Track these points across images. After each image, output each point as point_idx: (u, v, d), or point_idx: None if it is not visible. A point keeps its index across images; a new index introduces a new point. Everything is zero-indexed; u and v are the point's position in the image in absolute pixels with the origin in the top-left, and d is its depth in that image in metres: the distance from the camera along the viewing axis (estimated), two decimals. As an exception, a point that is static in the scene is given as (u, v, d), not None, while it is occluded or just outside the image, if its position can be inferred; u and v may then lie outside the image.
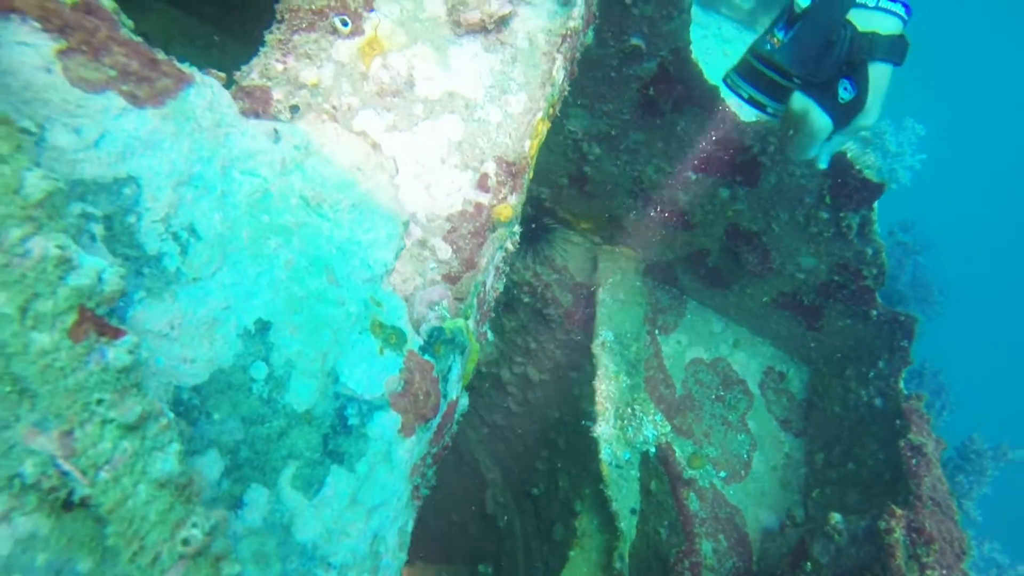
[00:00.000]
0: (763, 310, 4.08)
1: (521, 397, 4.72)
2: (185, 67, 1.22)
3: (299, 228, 1.17)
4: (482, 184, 1.87)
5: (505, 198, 1.82)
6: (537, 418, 4.73)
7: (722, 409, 4.00)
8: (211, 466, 1.01)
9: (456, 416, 1.65)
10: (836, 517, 3.20)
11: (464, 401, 1.67)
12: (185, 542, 0.85)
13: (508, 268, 1.87)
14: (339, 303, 1.19)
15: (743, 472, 3.86)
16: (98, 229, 1.06)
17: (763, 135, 3.14)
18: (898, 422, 3.36)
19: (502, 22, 2.07)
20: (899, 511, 2.93)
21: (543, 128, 1.99)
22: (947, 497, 3.04)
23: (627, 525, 2.73)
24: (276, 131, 1.29)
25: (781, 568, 3.36)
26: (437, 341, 1.36)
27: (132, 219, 1.09)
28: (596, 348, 3.32)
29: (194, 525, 0.85)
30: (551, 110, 2.05)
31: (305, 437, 1.12)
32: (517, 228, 1.89)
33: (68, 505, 0.89)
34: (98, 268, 0.87)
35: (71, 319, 0.83)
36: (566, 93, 2.19)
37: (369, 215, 1.32)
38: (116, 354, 0.86)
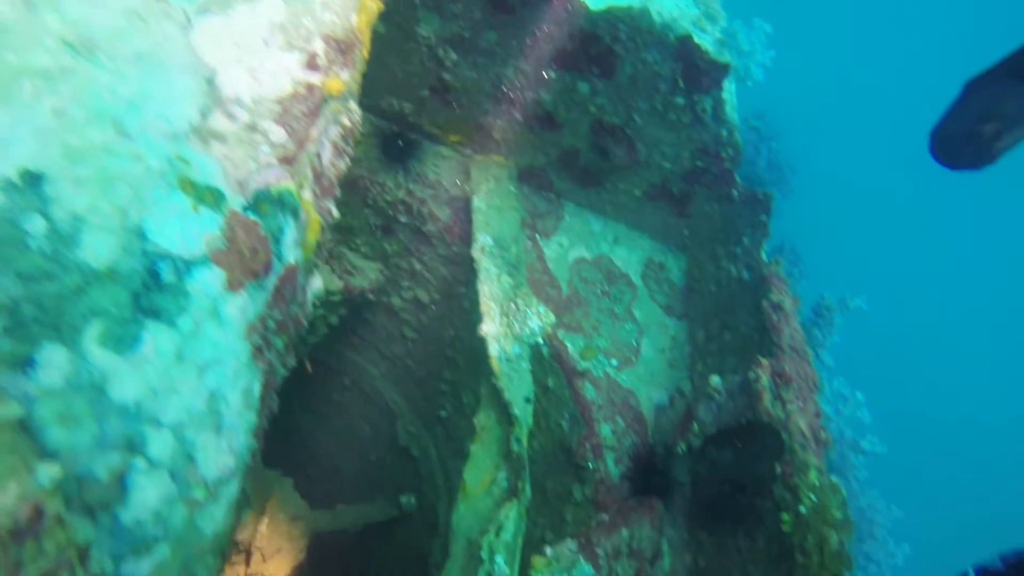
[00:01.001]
0: (637, 204, 4.23)
1: (415, 322, 4.70)
2: None
3: (66, 75, 1.06)
4: (311, 64, 1.78)
5: (335, 74, 1.74)
6: (434, 340, 4.75)
7: (608, 303, 4.17)
8: None
9: (310, 298, 1.61)
10: (715, 379, 3.45)
11: (318, 283, 1.63)
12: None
13: (351, 148, 1.82)
14: (134, 158, 1.11)
15: (633, 358, 4.06)
16: None
17: (613, 23, 3.19)
18: (761, 287, 3.64)
19: None
20: (765, 361, 3.20)
21: (372, 2, 1.91)
22: (802, 344, 3.35)
23: (522, 411, 2.82)
24: None
25: (672, 436, 3.61)
26: (262, 201, 1.31)
27: None
28: (476, 252, 3.34)
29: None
30: (379, -16, 1.97)
31: (110, 294, 1.05)
32: (355, 106, 1.83)
33: None
34: None
35: None
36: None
37: (160, 67, 1.23)
38: None
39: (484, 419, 2.97)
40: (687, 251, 4.49)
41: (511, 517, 2.57)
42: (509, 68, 3.46)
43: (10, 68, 1.00)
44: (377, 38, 3.40)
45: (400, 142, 3.86)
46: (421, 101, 3.76)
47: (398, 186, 3.85)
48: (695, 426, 3.46)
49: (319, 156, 1.60)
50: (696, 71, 3.32)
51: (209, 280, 1.19)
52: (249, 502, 1.40)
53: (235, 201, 1.29)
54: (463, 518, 2.71)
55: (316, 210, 1.54)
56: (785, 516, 2.86)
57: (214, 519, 1.17)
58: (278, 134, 1.67)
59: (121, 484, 1.05)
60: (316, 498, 5.78)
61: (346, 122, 1.73)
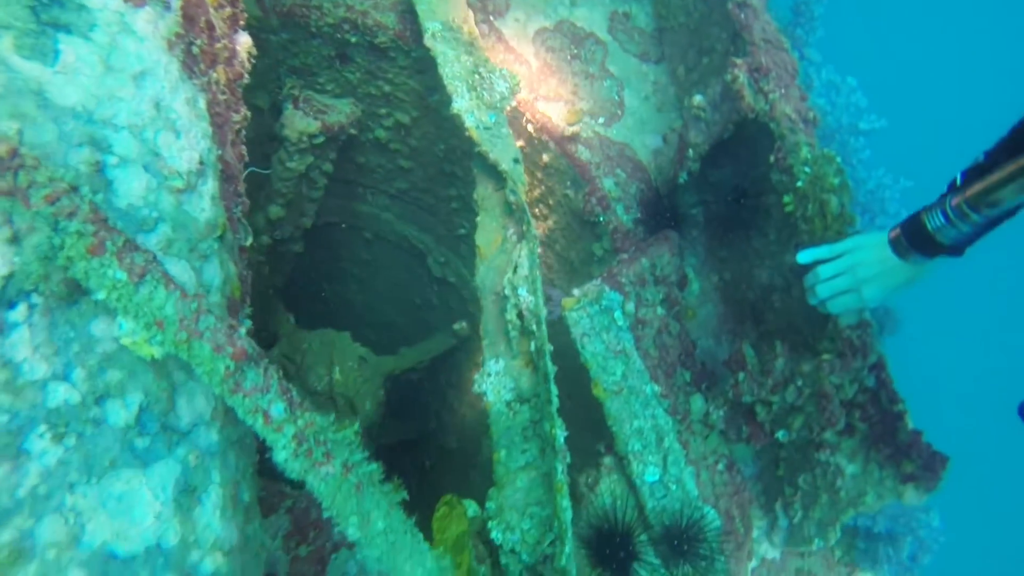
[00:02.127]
0: (583, -48, 3.98)
1: (406, 149, 4.73)
2: None
3: None
4: None
5: None
6: (430, 161, 4.79)
7: (581, 65, 4.07)
8: None
9: (241, 56, 1.65)
10: (697, 97, 3.42)
11: (245, 38, 1.66)
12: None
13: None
14: None
15: (619, 112, 4.03)
16: None
17: None
18: (726, -9, 3.47)
19: None
20: (739, 60, 3.14)
21: None
22: (776, 35, 3.25)
23: (512, 169, 2.90)
24: None
25: (672, 168, 3.66)
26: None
27: None
28: (428, 41, 3.26)
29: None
30: None
31: (7, 8, 1.11)
32: None
33: None
34: None
35: None
36: None
37: None
38: None
39: (481, 190, 3.07)
40: (650, -10, 4.27)
41: (523, 255, 2.74)
42: None
43: None
44: None
45: (323, -43, 3.66)
46: (327, -97, 3.51)
47: (336, 4, 3.70)
48: (690, 152, 3.49)
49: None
50: None
51: (103, -8, 1.22)
52: (242, 233, 1.55)
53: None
54: (485, 277, 2.90)
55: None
56: (786, 198, 2.95)
57: (201, 207, 1.31)
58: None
59: (103, 176, 1.18)
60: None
61: None
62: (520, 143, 3.65)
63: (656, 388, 3.06)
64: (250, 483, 1.56)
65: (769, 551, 3.25)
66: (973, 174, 2.15)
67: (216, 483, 1.31)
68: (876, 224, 4.85)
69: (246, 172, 4.58)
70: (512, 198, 2.84)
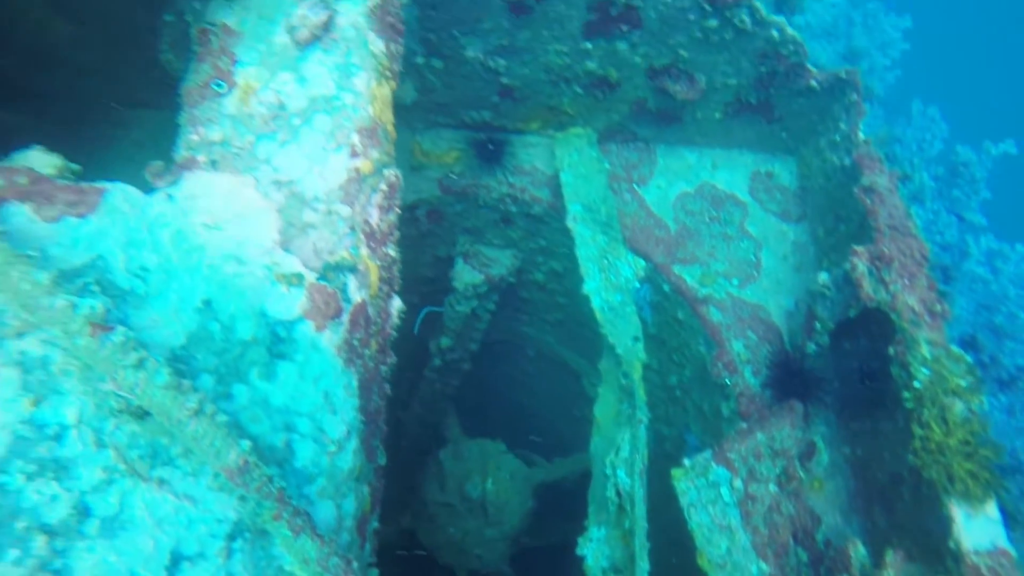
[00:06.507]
0: (722, 126, 4.31)
1: (561, 288, 5.28)
2: (99, 184, 1.93)
3: (208, 244, 1.86)
4: (353, 153, 2.44)
5: (368, 156, 2.39)
6: (583, 300, 5.27)
7: (719, 227, 4.33)
8: (206, 381, 1.74)
9: (393, 315, 2.28)
10: (822, 275, 3.53)
11: (397, 302, 2.30)
12: (192, 411, 1.56)
13: (396, 203, 2.44)
14: (250, 273, 1.87)
15: (755, 273, 4.20)
16: (93, 284, 1.79)
17: (621, -18, 3.40)
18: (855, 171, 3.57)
19: (327, 26, 2.59)
20: (860, 248, 3.23)
21: (383, 90, 2.52)
22: (904, 220, 3.28)
23: (627, 350, 3.26)
24: (168, 195, 1.98)
25: (802, 335, 3.74)
26: (327, 270, 2.02)
27: (108, 274, 1.81)
28: (569, 223, 3.81)
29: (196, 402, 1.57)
30: (385, 72, 2.56)
31: (256, 352, 1.80)
32: (389, 171, 2.45)
33: (140, 413, 1.63)
34: (91, 303, 1.58)
35: (87, 328, 1.55)
36: (400, 51, 2.67)
37: (247, 214, 1.99)
38: (114, 336, 1.57)
39: (605, 363, 3.46)
40: (794, 152, 4.44)
41: (626, 439, 3.05)
42: (551, 55, 3.84)
43: (183, 250, 1.80)
44: (439, 71, 4.01)
45: (490, 145, 4.44)
46: (495, 106, 4.29)
47: (499, 183, 4.43)
48: (817, 324, 3.57)
49: (367, 220, 2.26)
50: (717, -10, 3.38)
51: (306, 329, 1.91)
52: (376, 455, 2.12)
53: (310, 276, 2.01)
54: (598, 447, 3.25)
55: (373, 258, 2.20)
56: (905, 394, 2.93)
57: (346, 461, 1.90)
58: (344, 210, 2.36)
59: (290, 448, 1.81)
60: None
61: (383, 187, 2.36)
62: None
63: (764, 567, 3.11)
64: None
65: None
66: None
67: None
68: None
69: (424, 312, 5.43)
70: (624, 382, 3.20)
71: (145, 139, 4.33)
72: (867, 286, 3.08)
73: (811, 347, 3.57)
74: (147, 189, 2.19)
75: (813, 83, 3.84)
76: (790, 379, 3.74)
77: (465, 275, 4.74)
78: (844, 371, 3.56)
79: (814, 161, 4.20)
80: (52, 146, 2.45)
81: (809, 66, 3.79)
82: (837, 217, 3.96)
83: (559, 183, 4.34)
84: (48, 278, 1.52)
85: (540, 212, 4.52)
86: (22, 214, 1.73)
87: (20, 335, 1.57)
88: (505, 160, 4.44)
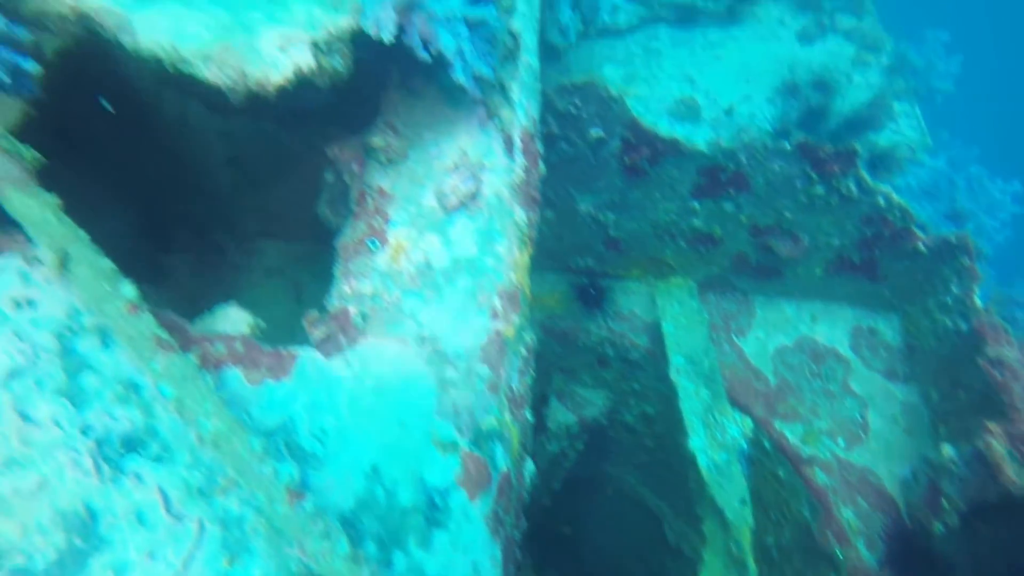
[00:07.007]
0: (823, 282, 4.36)
1: (650, 432, 5.21)
2: (293, 348, 2.13)
3: (377, 408, 2.02)
4: (495, 315, 2.61)
5: (510, 320, 2.54)
6: (672, 446, 5.18)
7: (821, 383, 4.26)
8: (370, 548, 1.81)
9: (526, 479, 2.32)
10: (948, 449, 3.39)
11: (530, 465, 2.35)
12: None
13: (534, 363, 2.56)
14: (411, 439, 1.98)
15: (862, 434, 4.06)
16: (282, 446, 1.92)
17: (730, 153, 3.63)
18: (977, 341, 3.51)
19: (474, 195, 2.86)
20: (993, 426, 3.11)
21: (523, 257, 2.72)
22: (1039, 395, 3.16)
23: (735, 515, 3.16)
24: (347, 360, 2.17)
25: (925, 513, 3.54)
26: (478, 438, 2.10)
27: (294, 436, 1.95)
28: (672, 375, 3.83)
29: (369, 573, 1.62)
30: (525, 239, 2.77)
31: (414, 519, 1.87)
32: (527, 334, 2.58)
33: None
34: (290, 472, 1.70)
35: (286, 495, 1.65)
36: (535, 220, 2.90)
37: (408, 386, 2.13)
38: (307, 504, 1.67)
39: (709, 526, 3.35)
40: (896, 309, 4.41)
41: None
42: (660, 212, 4.05)
43: (357, 414, 1.95)
44: (550, 221, 4.27)
45: (592, 290, 4.60)
46: (599, 254, 4.50)
47: (600, 327, 4.55)
48: (944, 503, 3.38)
49: (510, 385, 2.37)
50: (823, 163, 3.56)
51: (459, 498, 1.98)
52: None
53: (463, 443, 2.10)
54: (709, 622, 3.08)
55: (515, 423, 2.29)
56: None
57: None
58: (484, 370, 2.49)
59: None
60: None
61: (523, 351, 2.49)
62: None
63: None
64: None
65: None
66: None
67: None
68: None
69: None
70: (734, 549, 3.08)
71: (274, 268, 4.73)
72: (1009, 470, 2.94)
73: (938, 527, 3.37)
74: (304, 337, 2.40)
75: (921, 247, 3.88)
76: (914, 559, 3.51)
77: (559, 415, 4.77)
78: (981, 559, 3.31)
79: (923, 321, 4.16)
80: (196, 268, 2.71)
81: (916, 229, 3.85)
82: (955, 383, 3.85)
83: (658, 331, 4.42)
84: (260, 445, 1.67)
85: (637, 357, 4.57)
86: (236, 379, 1.92)
87: (226, 492, 1.70)
88: (606, 305, 4.58)
